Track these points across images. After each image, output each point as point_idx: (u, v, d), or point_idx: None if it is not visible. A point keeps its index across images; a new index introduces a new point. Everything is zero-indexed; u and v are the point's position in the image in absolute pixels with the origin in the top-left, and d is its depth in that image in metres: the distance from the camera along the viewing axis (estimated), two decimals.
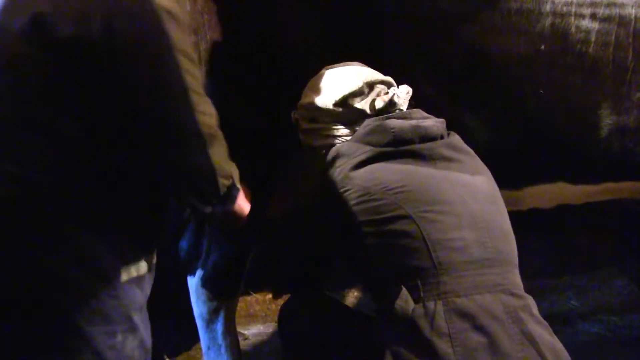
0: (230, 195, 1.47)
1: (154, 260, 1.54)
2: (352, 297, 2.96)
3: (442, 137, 1.68)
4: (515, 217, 2.00)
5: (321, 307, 1.81)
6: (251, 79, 1.92)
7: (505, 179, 2.02)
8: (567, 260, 3.33)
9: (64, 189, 1.33)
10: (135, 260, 1.44)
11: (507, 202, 2.08)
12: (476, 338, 1.42)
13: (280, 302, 2.12)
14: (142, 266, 1.47)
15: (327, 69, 1.77)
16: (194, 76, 1.34)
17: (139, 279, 1.46)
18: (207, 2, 1.85)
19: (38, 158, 1.32)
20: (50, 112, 1.31)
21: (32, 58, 1.30)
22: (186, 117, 1.33)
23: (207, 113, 1.37)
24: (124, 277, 1.42)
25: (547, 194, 2.11)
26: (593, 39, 1.90)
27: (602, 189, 2.11)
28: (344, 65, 1.76)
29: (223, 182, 1.43)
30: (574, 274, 3.29)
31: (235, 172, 1.50)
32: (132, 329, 1.44)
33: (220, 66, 1.88)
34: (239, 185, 1.51)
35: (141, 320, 1.48)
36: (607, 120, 1.95)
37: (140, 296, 1.47)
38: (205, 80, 1.87)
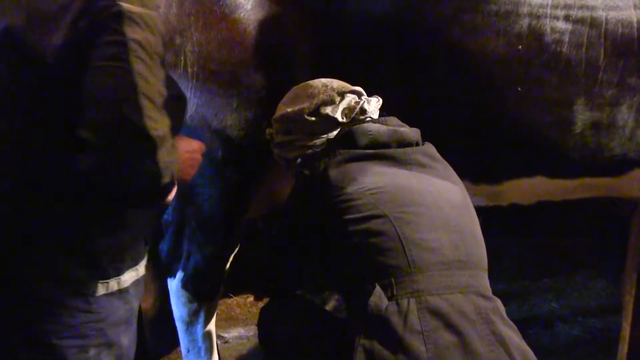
0: (166, 191, 1.39)
1: (141, 272, 1.52)
2: (333, 300, 2.96)
3: (417, 144, 1.71)
4: (496, 218, 2.03)
5: (300, 310, 1.82)
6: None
7: (486, 174, 2.07)
8: (546, 263, 3.35)
9: (33, 200, 1.32)
10: (115, 273, 1.42)
11: (489, 197, 2.12)
12: (448, 336, 1.43)
13: (261, 304, 2.11)
14: (125, 279, 1.45)
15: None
16: (148, 81, 1.30)
17: (120, 292, 1.44)
18: (194, 3, 1.86)
19: (11, 171, 1.31)
20: (22, 122, 1.31)
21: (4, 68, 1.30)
22: (136, 120, 1.27)
23: (155, 119, 1.31)
24: (101, 290, 1.40)
25: (527, 189, 2.14)
26: (567, 39, 1.95)
27: (579, 185, 2.14)
28: (316, 79, 1.80)
29: (164, 182, 1.36)
30: (553, 276, 3.32)
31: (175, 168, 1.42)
32: (108, 343, 1.42)
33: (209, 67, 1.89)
34: (175, 181, 1.42)
35: (121, 334, 1.45)
36: (581, 116, 1.99)
37: (122, 310, 1.45)
38: (191, 82, 1.89)
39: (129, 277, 1.46)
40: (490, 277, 1.60)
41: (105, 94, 1.26)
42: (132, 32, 1.29)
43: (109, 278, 1.40)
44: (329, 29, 1.93)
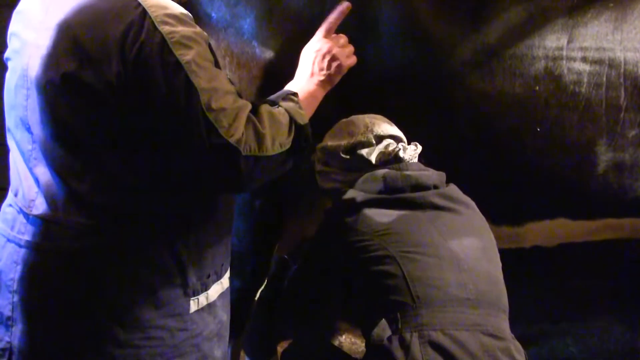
0: (300, 147, 1.46)
1: (226, 285, 1.55)
2: (348, 342, 2.92)
3: (435, 187, 1.75)
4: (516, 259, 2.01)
5: (323, 352, 1.83)
6: None
7: (507, 216, 2.07)
8: (564, 306, 3.32)
9: (128, 229, 1.36)
10: (203, 289, 1.46)
11: (510, 239, 2.12)
12: None
13: (280, 349, 2.11)
14: (212, 293, 1.48)
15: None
16: (205, 68, 1.32)
17: (209, 307, 1.47)
18: (229, 46, 1.93)
19: (99, 206, 1.34)
20: (100, 151, 1.34)
21: (70, 107, 1.33)
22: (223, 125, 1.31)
23: (224, 90, 1.34)
24: (193, 307, 1.43)
25: (549, 231, 2.14)
26: (585, 80, 1.98)
27: (603, 225, 2.15)
28: (363, 116, 1.86)
29: (275, 149, 1.39)
30: (572, 320, 3.28)
31: (305, 127, 1.48)
32: (203, 358, 1.46)
33: None
34: (308, 132, 1.49)
35: (214, 347, 1.50)
36: (604, 157, 2.01)
37: (212, 324, 1.49)
38: None
39: (214, 291, 1.49)
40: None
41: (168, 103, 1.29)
42: (184, 56, 1.30)
43: (198, 294, 1.44)
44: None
